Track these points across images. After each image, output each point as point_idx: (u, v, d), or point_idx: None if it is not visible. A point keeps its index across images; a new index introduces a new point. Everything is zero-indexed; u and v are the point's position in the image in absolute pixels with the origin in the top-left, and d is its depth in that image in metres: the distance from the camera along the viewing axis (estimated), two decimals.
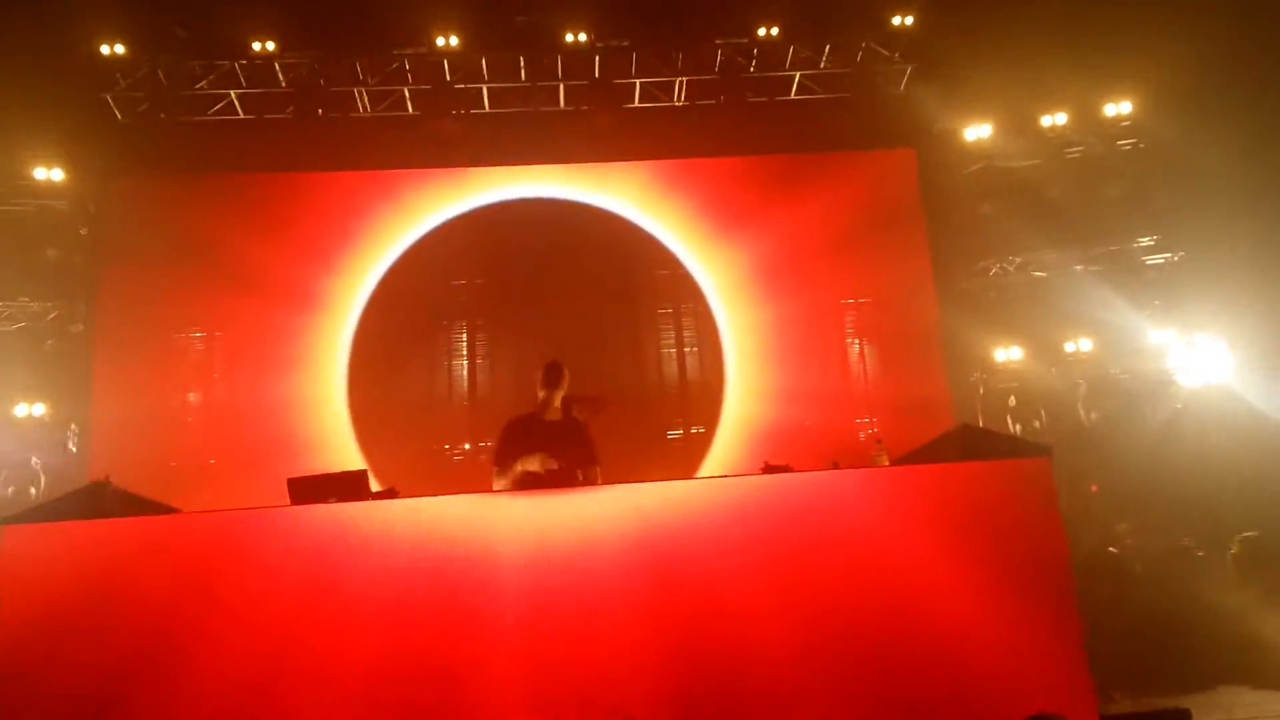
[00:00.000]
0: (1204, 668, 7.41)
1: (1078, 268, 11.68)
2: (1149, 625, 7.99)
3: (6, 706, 3.86)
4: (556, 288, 10.84)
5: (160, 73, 10.67)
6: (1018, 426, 11.22)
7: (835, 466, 4.67)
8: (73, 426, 10.00)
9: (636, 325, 11.29)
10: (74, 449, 9.94)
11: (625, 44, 11.05)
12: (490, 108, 11.30)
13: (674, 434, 10.90)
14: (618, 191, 11.23)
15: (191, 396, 10.69)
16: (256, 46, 10.59)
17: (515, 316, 11.01)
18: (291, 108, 10.90)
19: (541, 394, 5.30)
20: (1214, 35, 10.02)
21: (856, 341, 11.37)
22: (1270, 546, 8.47)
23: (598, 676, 3.98)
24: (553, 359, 5.43)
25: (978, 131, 11.36)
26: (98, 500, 4.49)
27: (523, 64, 11.00)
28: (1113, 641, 7.49)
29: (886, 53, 11.29)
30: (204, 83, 10.86)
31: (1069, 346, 11.46)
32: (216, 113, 11.00)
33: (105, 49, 10.48)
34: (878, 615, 4.07)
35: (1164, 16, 10.21)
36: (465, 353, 10.99)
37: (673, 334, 11.24)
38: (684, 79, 11.27)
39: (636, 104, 11.41)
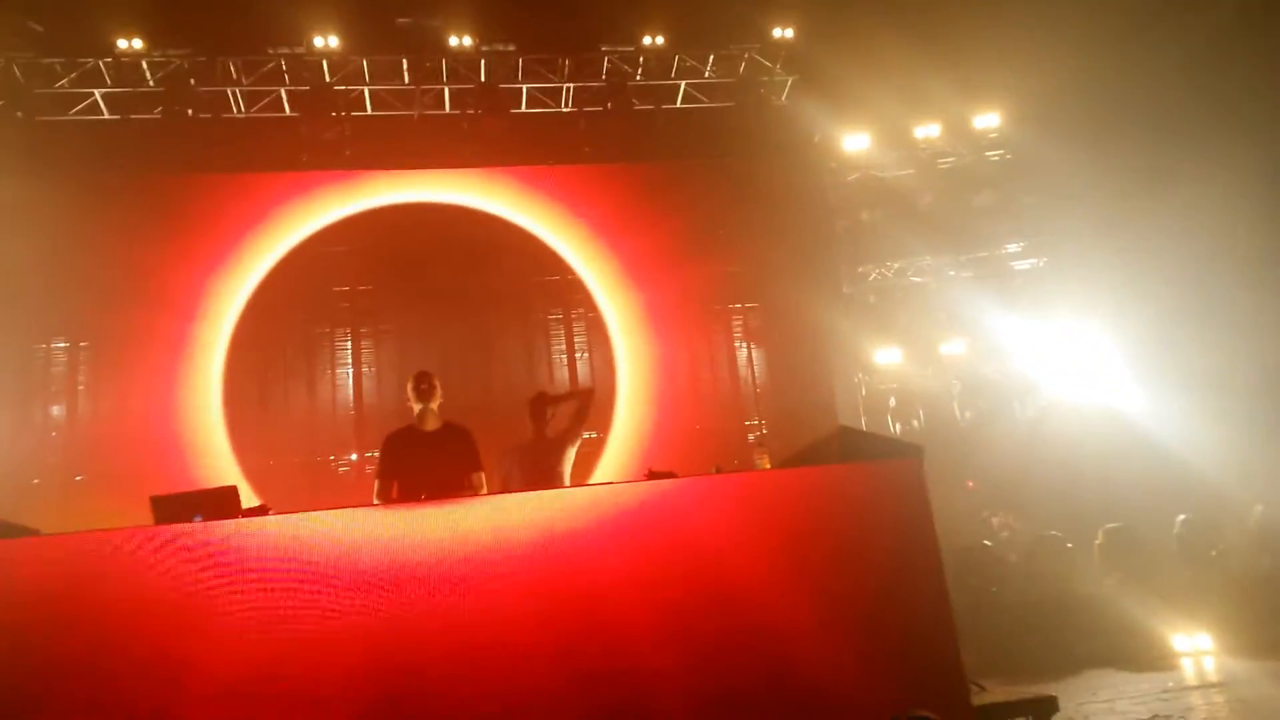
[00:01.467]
0: (1073, 653, 7.82)
1: (951, 273, 12.17)
2: (1021, 615, 8.37)
3: None
4: (444, 294, 10.68)
5: (16, 69, 10.08)
6: (898, 426, 11.62)
7: (718, 471, 4.72)
8: None
9: (527, 331, 11.24)
10: None
11: (511, 49, 10.99)
12: (373, 110, 11.07)
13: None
14: (504, 197, 11.15)
15: (55, 409, 10.13)
16: (123, 44, 10.11)
17: (401, 324, 10.80)
18: (160, 108, 10.44)
19: (416, 407, 5.26)
20: (1073, 54, 10.60)
21: (745, 345, 11.57)
22: (1132, 536, 8.98)
23: (489, 679, 3.93)
24: (421, 370, 5.41)
25: (856, 141, 11.72)
26: None
27: (406, 67, 10.82)
28: (987, 632, 7.85)
29: (769, 64, 11.53)
30: (65, 81, 10.30)
31: (944, 348, 11.92)
32: (79, 112, 10.46)
33: None
34: (750, 614, 4.12)
35: (1028, 36, 10.77)
36: (350, 361, 10.72)
37: (563, 339, 11.21)
38: (571, 85, 11.28)
39: (524, 109, 11.35)
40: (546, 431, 5.80)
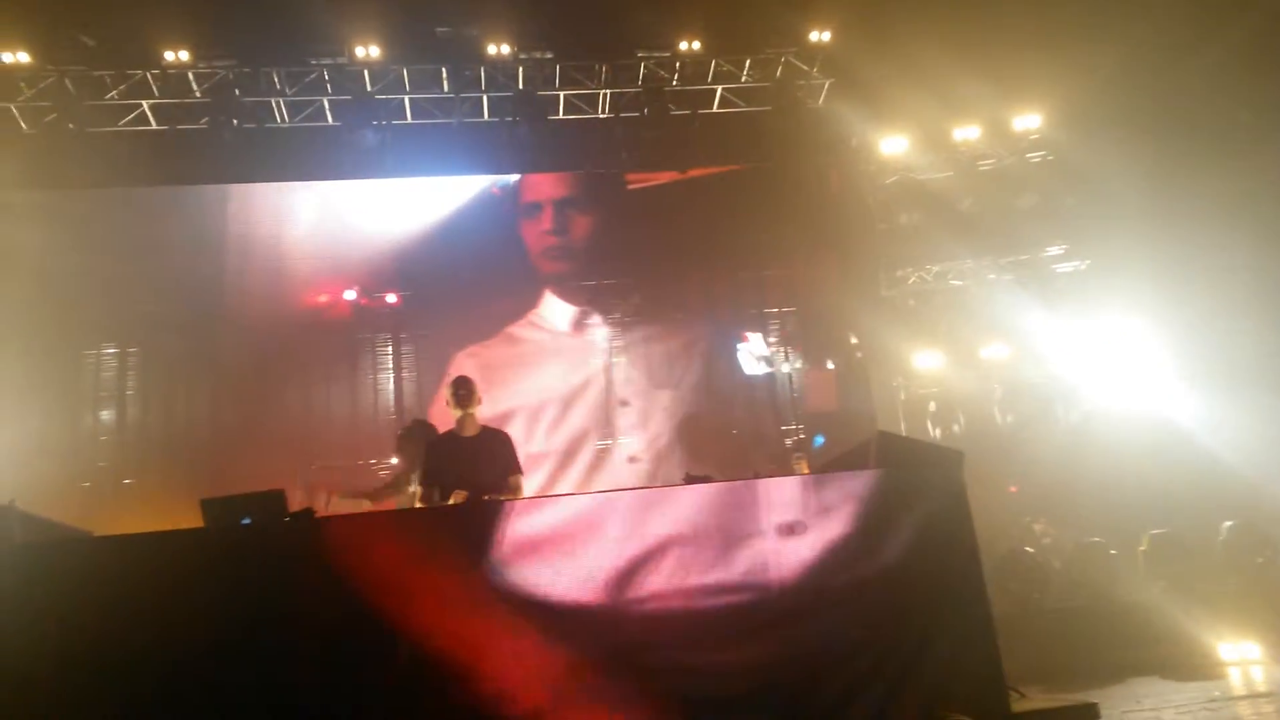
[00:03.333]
0: (1117, 660, 7.69)
1: (991, 276, 12.04)
2: (1064, 622, 8.27)
3: None
4: (480, 300, 10.92)
5: (68, 82, 10.33)
6: (938, 431, 11.52)
7: (756, 475, 4.74)
8: None
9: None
10: None
11: (549, 56, 11.06)
12: (413, 119, 11.21)
13: (601, 444, 10.92)
14: (539, 202, 11.36)
15: (105, 414, 10.37)
16: (169, 56, 10.32)
17: (440, 329, 10.95)
18: (206, 118, 10.65)
19: (456, 412, 5.36)
20: (1114, 53, 10.47)
21: (783, 350, 11.54)
22: (1177, 542, 8.83)
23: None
24: (460, 375, 5.53)
25: (894, 145, 11.64)
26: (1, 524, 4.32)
27: (445, 75, 10.94)
28: (1030, 639, 7.74)
29: (805, 68, 11.50)
30: (115, 93, 10.55)
31: (985, 352, 11.80)
32: (128, 124, 10.70)
33: (8, 57, 10.10)
34: (789, 618, 4.15)
35: (1067, 36, 10.65)
36: (391, 366, 10.88)
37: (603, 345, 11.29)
38: (607, 92, 11.34)
39: (561, 116, 11.44)
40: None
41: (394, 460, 6.70)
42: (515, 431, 5.94)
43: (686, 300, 11.57)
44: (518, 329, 11.17)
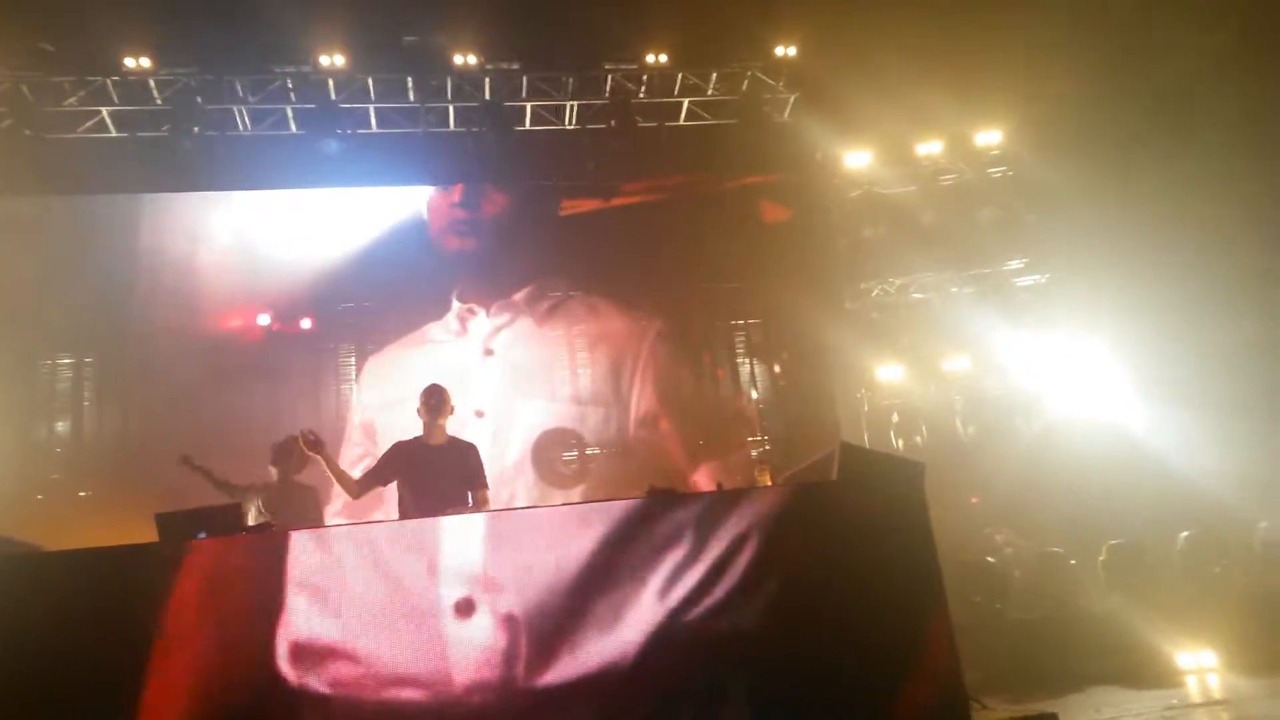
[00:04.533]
0: (1077, 670, 7.77)
1: (954, 289, 12.18)
2: (1025, 632, 8.35)
3: None
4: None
5: (25, 89, 10.16)
6: (900, 442, 11.61)
7: (720, 488, 4.74)
8: None
9: None
10: None
11: (515, 67, 11.05)
12: (378, 128, 11.14)
13: (569, 456, 10.86)
14: (505, 214, 11.29)
15: (60, 425, 10.17)
16: (130, 63, 10.18)
17: (405, 338, 10.85)
18: (168, 125, 10.51)
19: (425, 420, 5.30)
20: (1074, 71, 10.67)
21: (747, 361, 11.59)
22: (1135, 552, 8.96)
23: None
24: (433, 384, 5.45)
25: (858, 159, 11.77)
26: None
27: (411, 85, 10.89)
28: (991, 650, 7.82)
29: (771, 81, 11.58)
30: (74, 100, 10.38)
31: (947, 365, 11.92)
32: (87, 130, 10.53)
33: None
34: (746, 629, 4.14)
35: (1029, 54, 10.82)
36: (354, 376, 10.76)
37: (566, 357, 11.21)
38: (574, 103, 11.35)
39: (528, 126, 11.43)
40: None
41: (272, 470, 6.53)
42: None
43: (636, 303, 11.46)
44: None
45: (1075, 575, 9.05)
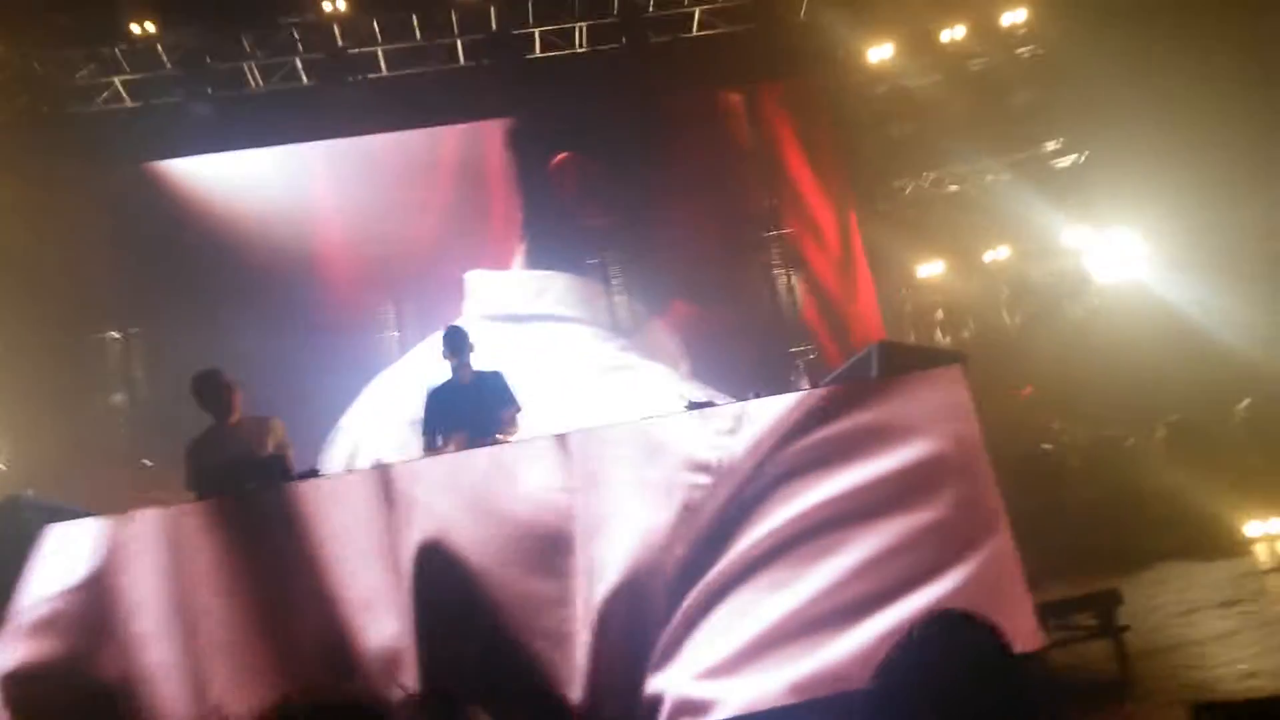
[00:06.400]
0: (1142, 548, 7.74)
1: (989, 178, 11.88)
2: (1087, 516, 8.32)
3: None
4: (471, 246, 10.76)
5: (36, 64, 10.13)
6: (947, 338, 11.48)
7: (756, 395, 4.69)
8: None
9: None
10: (3, 466, 9.55)
11: None
12: (387, 71, 11.00)
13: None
14: (525, 143, 11.10)
15: (116, 398, 10.36)
16: (135, 28, 10.09)
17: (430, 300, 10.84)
18: (180, 90, 10.46)
19: (451, 361, 5.44)
20: None
21: (784, 272, 11.43)
22: (1194, 426, 8.85)
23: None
24: (452, 325, 5.57)
25: (880, 53, 11.39)
26: (12, 516, 4.34)
27: (416, 22, 10.70)
28: (1052, 535, 7.79)
29: None
30: (85, 72, 10.35)
31: (988, 255, 11.70)
32: (103, 102, 10.53)
33: None
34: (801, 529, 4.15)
35: None
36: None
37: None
38: (584, 24, 11.08)
39: (538, 54, 11.20)
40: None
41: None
42: None
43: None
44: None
45: (1133, 456, 8.98)
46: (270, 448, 5.13)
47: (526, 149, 11.12)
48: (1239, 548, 7.46)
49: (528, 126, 11.23)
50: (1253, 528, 7.59)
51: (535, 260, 10.93)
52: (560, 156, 11.01)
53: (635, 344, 10.71)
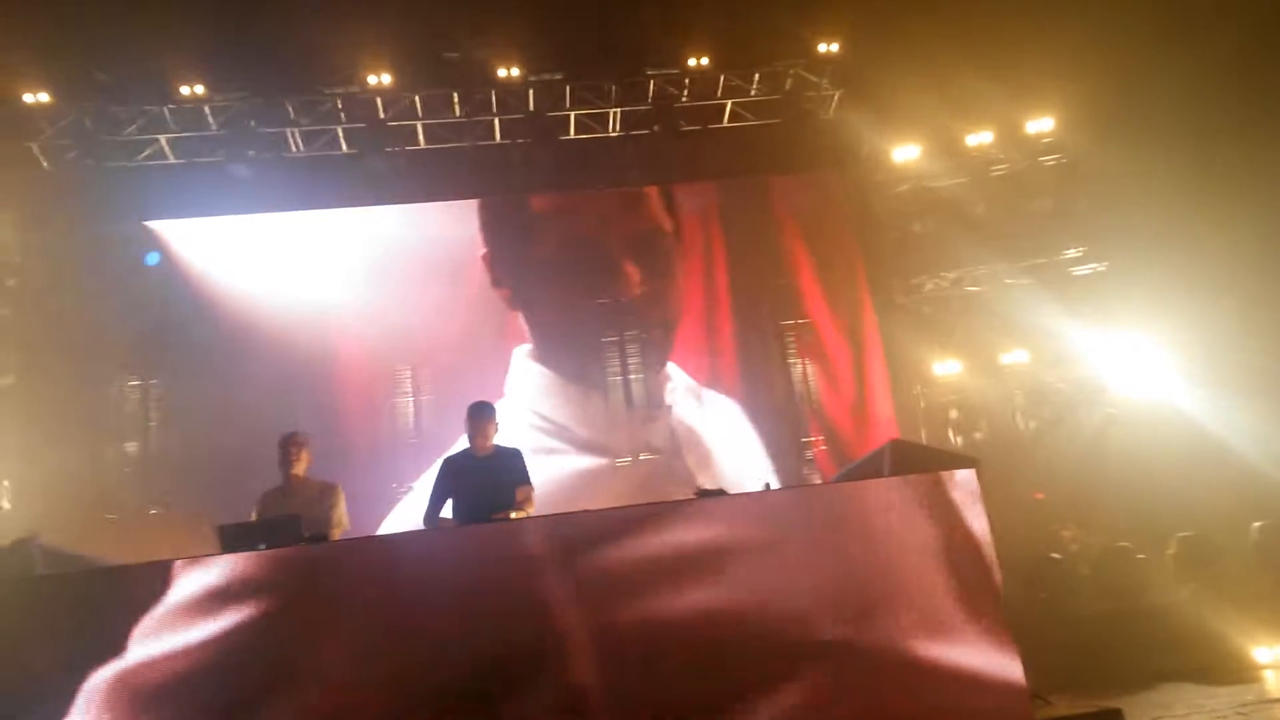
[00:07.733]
0: (1147, 666, 7.57)
1: (1009, 281, 11.95)
2: (1093, 629, 8.16)
3: None
4: (506, 320, 10.91)
5: (87, 120, 10.53)
6: (959, 439, 11.43)
7: (767, 488, 4.73)
8: (4, 483, 9.72)
9: (578, 354, 11.31)
10: (7, 505, 9.65)
11: (558, 77, 11.14)
12: (425, 144, 11.32)
13: (622, 461, 10.88)
14: (555, 222, 11.35)
15: (129, 446, 10.48)
16: (185, 90, 10.48)
17: (455, 355, 10.98)
18: (222, 151, 10.81)
19: (470, 433, 5.51)
20: (1126, 54, 10.41)
21: (800, 362, 11.50)
22: (1207, 544, 8.72)
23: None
24: (480, 400, 5.62)
25: (905, 153, 11.62)
26: (20, 559, 4.40)
27: (456, 100, 11.04)
28: (1058, 647, 7.66)
29: (814, 79, 11.52)
30: (133, 128, 10.72)
31: (1005, 358, 11.71)
32: (146, 158, 10.88)
33: (29, 97, 10.30)
34: (801, 631, 4.12)
35: (1079, 37, 10.58)
36: (410, 390, 10.91)
37: (617, 361, 11.24)
38: (618, 110, 11.41)
39: (572, 135, 11.51)
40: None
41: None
42: None
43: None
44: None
45: (1144, 570, 8.83)
46: (326, 510, 5.42)
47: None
48: (1246, 674, 7.30)
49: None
50: (1261, 653, 7.44)
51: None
52: None
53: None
